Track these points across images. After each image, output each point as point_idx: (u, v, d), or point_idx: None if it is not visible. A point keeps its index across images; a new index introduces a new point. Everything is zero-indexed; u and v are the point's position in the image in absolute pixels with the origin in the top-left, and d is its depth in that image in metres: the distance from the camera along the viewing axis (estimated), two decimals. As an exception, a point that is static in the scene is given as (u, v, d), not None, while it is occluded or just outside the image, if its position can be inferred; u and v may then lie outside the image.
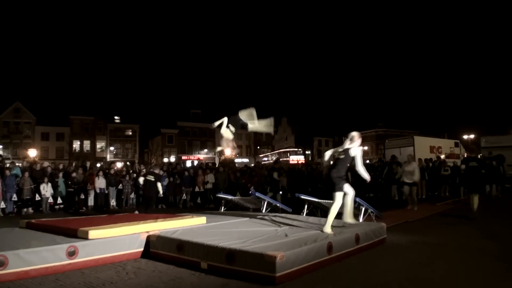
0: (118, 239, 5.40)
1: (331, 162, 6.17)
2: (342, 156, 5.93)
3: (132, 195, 14.18)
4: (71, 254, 4.87)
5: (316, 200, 8.61)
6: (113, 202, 13.67)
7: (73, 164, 17.42)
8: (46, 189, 12.27)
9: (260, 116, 6.86)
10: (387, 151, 19.73)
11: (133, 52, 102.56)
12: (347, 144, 6.02)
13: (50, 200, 12.50)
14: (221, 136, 6.93)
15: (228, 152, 6.40)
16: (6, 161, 18.09)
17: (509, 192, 15.04)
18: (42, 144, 49.03)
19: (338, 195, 5.75)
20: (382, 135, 59.51)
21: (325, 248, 4.94)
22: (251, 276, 4.30)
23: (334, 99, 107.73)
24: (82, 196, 12.91)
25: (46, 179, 12.33)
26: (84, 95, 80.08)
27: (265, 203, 9.16)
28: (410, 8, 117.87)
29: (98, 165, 24.67)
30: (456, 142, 22.22)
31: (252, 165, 27.00)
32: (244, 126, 7.01)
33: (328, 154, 6.34)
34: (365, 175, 6.21)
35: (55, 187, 12.64)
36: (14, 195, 11.85)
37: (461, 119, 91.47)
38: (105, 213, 10.79)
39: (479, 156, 11.84)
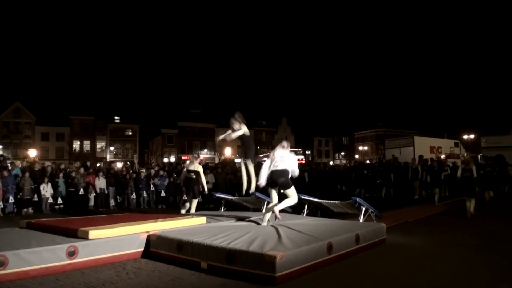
0: (118, 239, 5.39)
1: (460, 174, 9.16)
2: (469, 174, 8.96)
3: (133, 195, 14.13)
4: (71, 254, 4.87)
5: (316, 200, 8.61)
6: (113, 202, 13.66)
7: (74, 164, 17.39)
8: (46, 189, 12.25)
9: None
10: (387, 151, 19.75)
11: (133, 52, 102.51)
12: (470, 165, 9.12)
13: (50, 200, 12.49)
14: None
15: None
16: (7, 161, 18.05)
17: (510, 192, 15.10)
18: (42, 144, 49.00)
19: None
20: (382, 135, 59.58)
21: (325, 248, 4.93)
22: (251, 276, 4.30)
23: (334, 99, 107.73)
24: (82, 192, 12.89)
25: (46, 179, 12.32)
26: (84, 95, 79.85)
27: (265, 203, 9.14)
28: (410, 8, 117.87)
29: (98, 165, 24.63)
30: (456, 142, 22.23)
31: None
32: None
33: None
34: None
35: (55, 187, 12.64)
36: (16, 197, 11.82)
37: (461, 119, 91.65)
38: (105, 213, 10.79)
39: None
